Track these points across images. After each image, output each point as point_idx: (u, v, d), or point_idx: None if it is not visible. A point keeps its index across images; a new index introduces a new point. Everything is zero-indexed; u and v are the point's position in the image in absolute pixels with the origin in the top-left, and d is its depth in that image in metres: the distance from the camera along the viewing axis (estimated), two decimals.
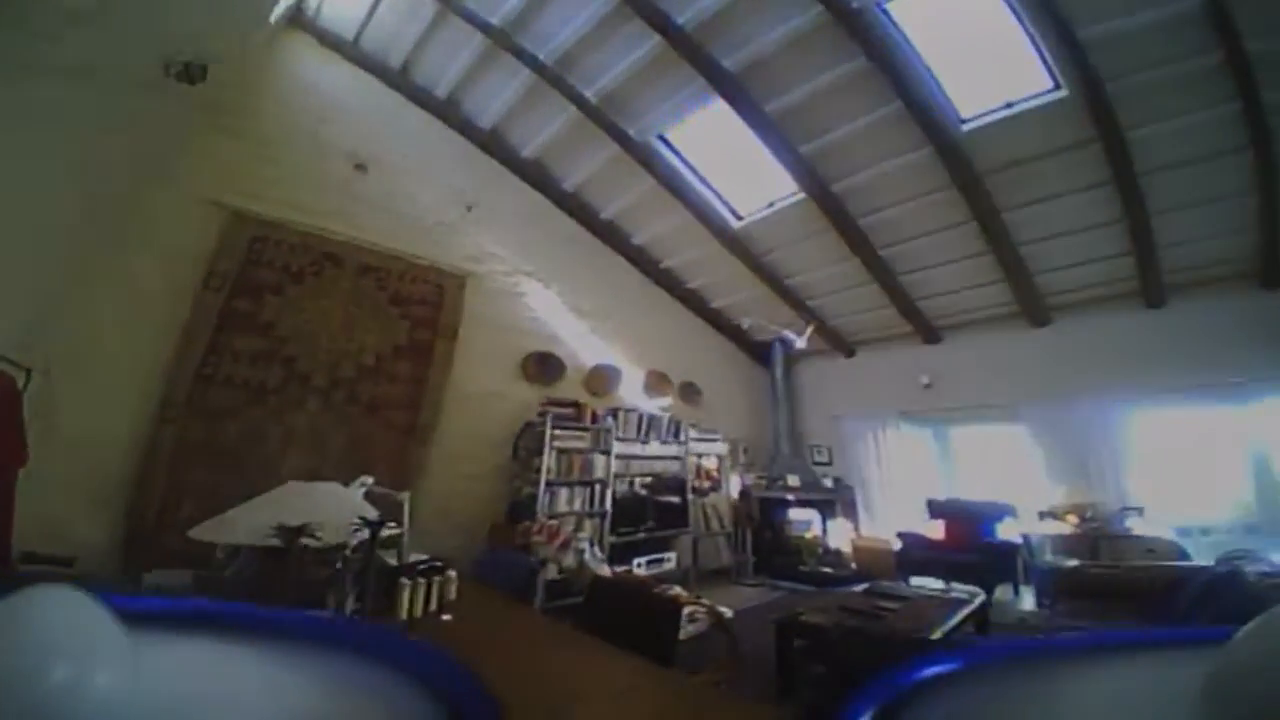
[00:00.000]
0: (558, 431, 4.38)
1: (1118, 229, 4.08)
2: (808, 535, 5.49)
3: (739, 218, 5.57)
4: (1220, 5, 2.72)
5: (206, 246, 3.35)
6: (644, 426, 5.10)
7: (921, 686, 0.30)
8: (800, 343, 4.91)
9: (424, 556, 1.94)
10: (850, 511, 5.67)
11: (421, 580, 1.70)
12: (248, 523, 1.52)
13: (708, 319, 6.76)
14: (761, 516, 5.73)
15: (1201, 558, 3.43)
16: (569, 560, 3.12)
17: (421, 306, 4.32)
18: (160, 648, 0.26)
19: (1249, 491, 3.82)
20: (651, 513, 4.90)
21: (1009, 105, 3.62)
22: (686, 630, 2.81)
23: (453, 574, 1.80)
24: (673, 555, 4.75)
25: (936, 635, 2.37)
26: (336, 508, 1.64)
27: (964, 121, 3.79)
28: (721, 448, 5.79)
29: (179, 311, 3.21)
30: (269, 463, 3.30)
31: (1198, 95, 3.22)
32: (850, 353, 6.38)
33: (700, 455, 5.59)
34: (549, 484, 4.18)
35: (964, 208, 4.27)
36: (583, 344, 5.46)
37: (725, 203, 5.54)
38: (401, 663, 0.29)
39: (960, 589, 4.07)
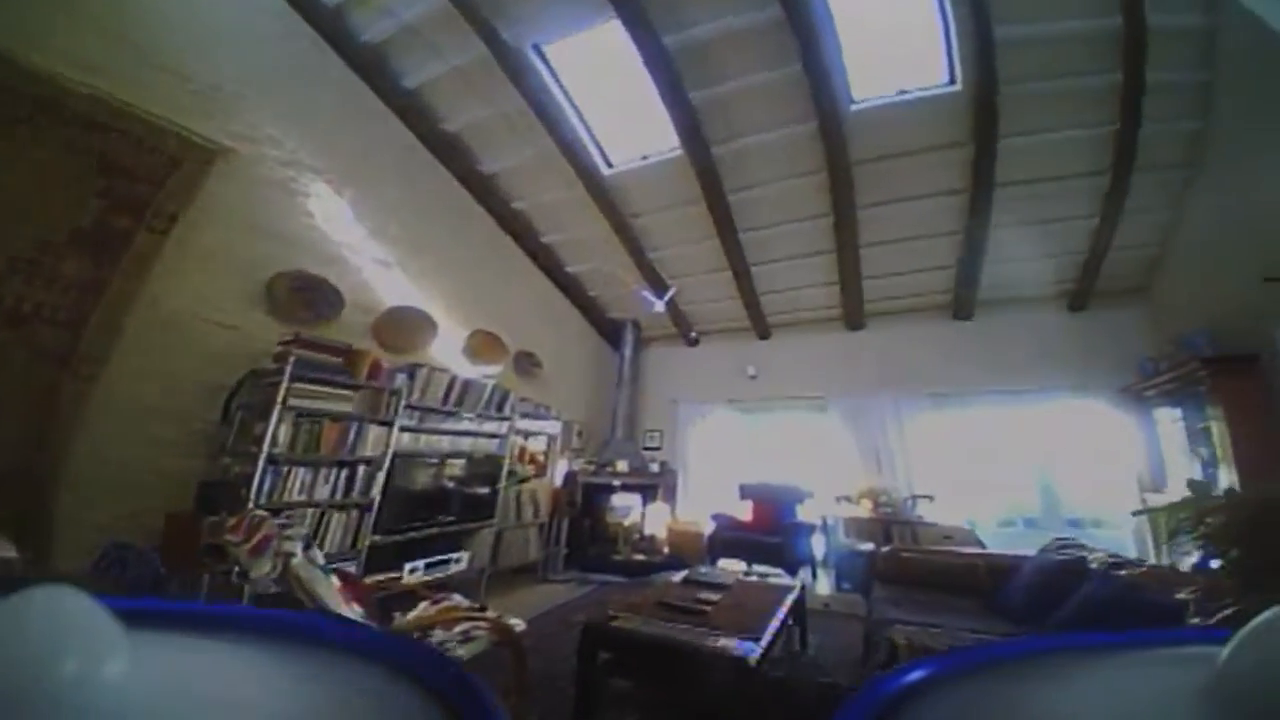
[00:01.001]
0: (303, 385, 2.75)
1: (954, 241, 4.13)
2: (626, 522, 4.97)
3: (610, 165, 4.76)
4: (1140, 30, 2.65)
5: None
6: (454, 394, 3.63)
7: (915, 689, 0.27)
8: (659, 305, 4.34)
9: None
10: (670, 495, 5.34)
11: None
12: None
13: (561, 285, 5.53)
14: (584, 504, 4.97)
15: (995, 547, 3.38)
16: (265, 567, 1.84)
17: (135, 182, 2.62)
18: (159, 648, 0.24)
19: (1033, 488, 4.14)
20: (453, 502, 3.54)
21: (902, 93, 3.32)
22: (457, 654, 1.94)
23: None
24: (465, 555, 3.50)
25: (760, 654, 1.90)
26: None
27: (854, 102, 3.41)
28: (553, 428, 4.70)
29: None
30: None
31: (1081, 113, 3.19)
32: (694, 342, 6.18)
33: (527, 436, 4.40)
34: (275, 460, 2.62)
35: (826, 198, 3.96)
36: (381, 278, 3.79)
37: (597, 144, 4.65)
38: (399, 663, 0.27)
39: (764, 570, 4.07)
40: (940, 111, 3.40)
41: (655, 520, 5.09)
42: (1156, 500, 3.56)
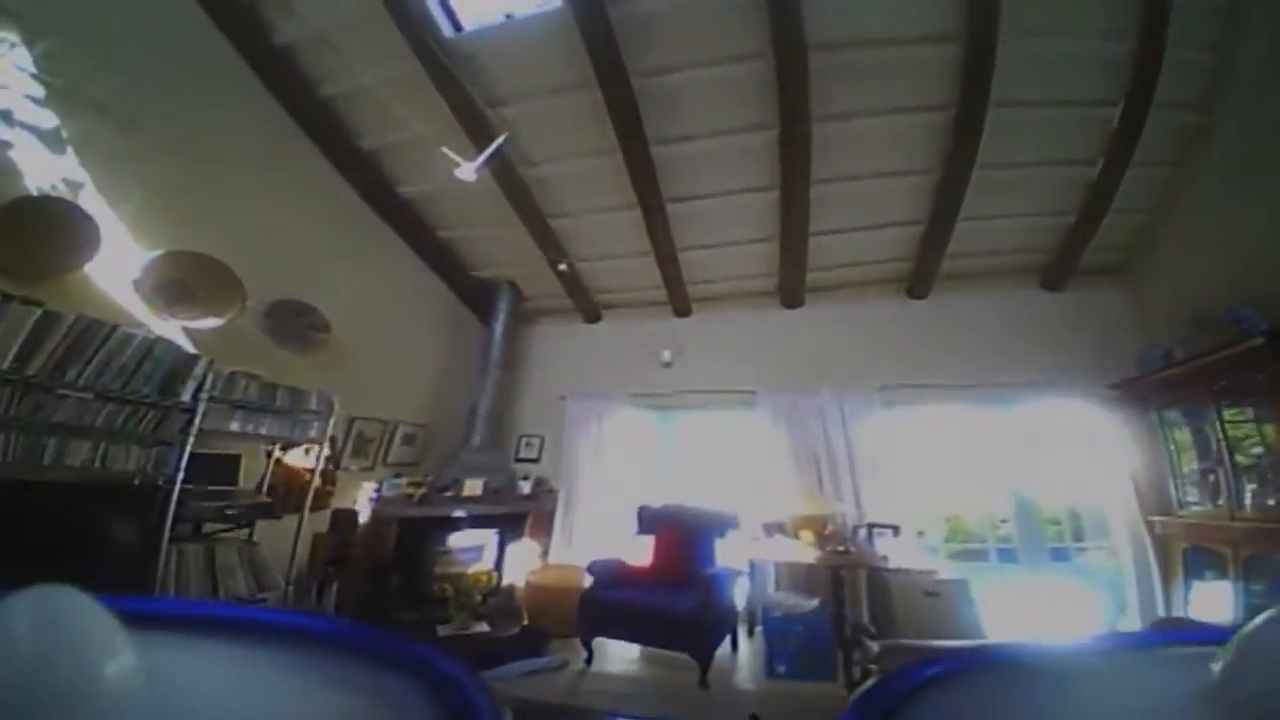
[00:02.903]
0: None
1: (926, 185, 3.13)
2: (470, 572, 3.29)
3: (458, 26, 3.17)
4: None
5: None
6: (51, 351, 1.76)
7: (918, 690, 0.27)
8: (470, 173, 2.62)
9: None
10: (545, 527, 3.80)
11: None
12: None
13: (388, 214, 3.74)
14: (400, 548, 3.24)
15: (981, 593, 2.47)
16: None
17: None
18: (159, 648, 0.24)
19: (1007, 509, 3.21)
20: (49, 567, 1.78)
21: None
22: None
23: None
24: None
25: None
26: None
27: None
28: (315, 432, 2.69)
29: None
30: None
31: (1099, 14, 2.38)
32: (595, 317, 4.70)
33: (281, 446, 2.60)
34: None
35: (772, 103, 2.78)
36: (38, 161, 2.19)
37: None
38: (400, 663, 0.27)
39: (664, 657, 2.56)
40: None
41: (520, 566, 3.48)
42: (1169, 525, 2.72)
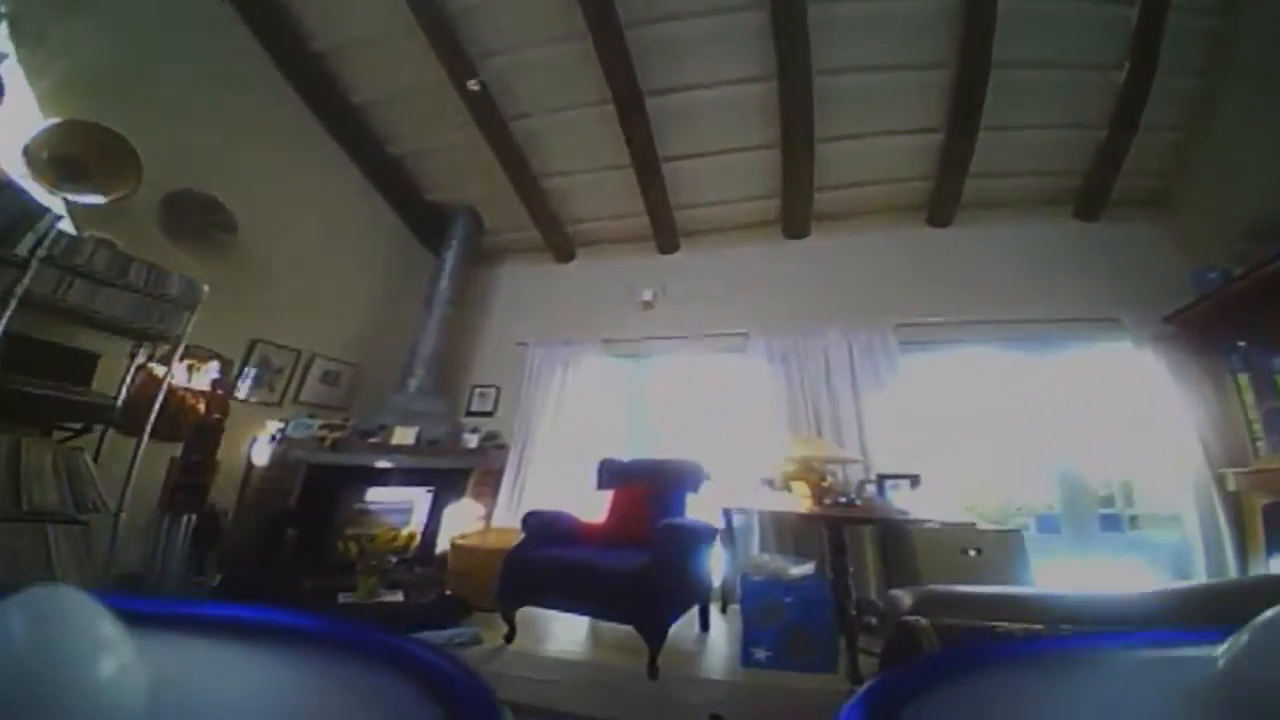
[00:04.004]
0: None
1: (936, 80, 2.72)
2: (388, 535, 2.81)
3: None
4: None
5: None
6: None
7: (919, 687, 0.28)
8: None
9: None
10: (492, 486, 3.31)
11: None
12: None
13: (330, 121, 3.38)
14: (306, 499, 2.79)
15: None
16: None
17: None
18: (160, 649, 0.24)
19: (1050, 473, 2.70)
20: None
21: None
22: None
23: None
24: None
25: None
26: None
27: None
28: (177, 325, 2.29)
29: None
30: None
31: None
32: (568, 255, 4.28)
33: (153, 346, 2.13)
34: None
35: None
36: None
37: None
38: (400, 663, 0.28)
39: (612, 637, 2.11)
40: None
41: (457, 529, 3.00)
42: (1244, 478, 2.23)
